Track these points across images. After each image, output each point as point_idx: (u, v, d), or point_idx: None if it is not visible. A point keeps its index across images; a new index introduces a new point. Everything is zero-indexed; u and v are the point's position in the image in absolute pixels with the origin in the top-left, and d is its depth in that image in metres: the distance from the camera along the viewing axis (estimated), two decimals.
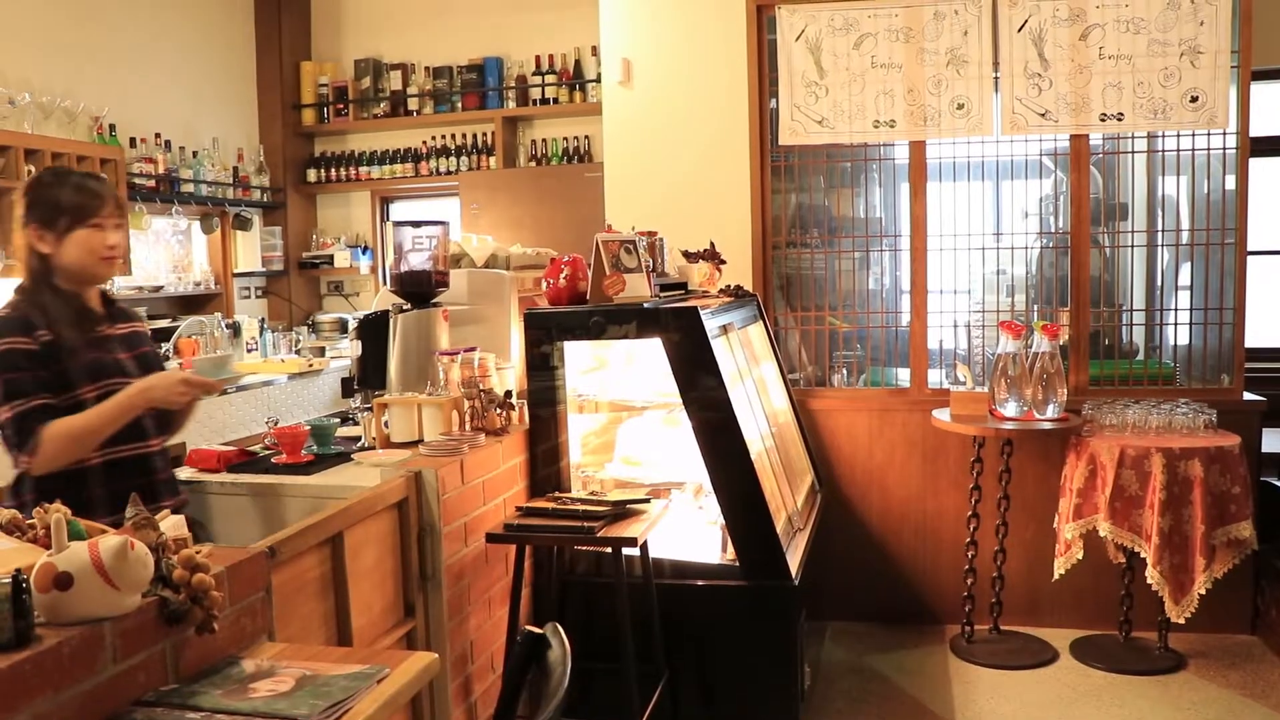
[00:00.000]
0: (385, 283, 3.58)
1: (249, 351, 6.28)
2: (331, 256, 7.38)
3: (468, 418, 3.34)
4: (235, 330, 6.40)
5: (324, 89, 7.38)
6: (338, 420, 3.45)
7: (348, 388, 3.48)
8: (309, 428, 3.28)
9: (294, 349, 6.67)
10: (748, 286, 4.81)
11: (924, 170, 5.00)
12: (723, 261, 4.63)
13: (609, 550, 3.08)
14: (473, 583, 3.07)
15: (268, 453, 3.37)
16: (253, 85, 7.28)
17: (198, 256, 6.82)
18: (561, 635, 1.70)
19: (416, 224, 3.55)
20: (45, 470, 2.44)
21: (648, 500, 3.25)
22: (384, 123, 7.28)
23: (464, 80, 7.13)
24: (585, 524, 2.99)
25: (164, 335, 5.71)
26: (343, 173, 7.41)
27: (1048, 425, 4.41)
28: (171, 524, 1.98)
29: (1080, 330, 4.81)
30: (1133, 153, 4.94)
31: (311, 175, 7.46)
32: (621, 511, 3.13)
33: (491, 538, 3.04)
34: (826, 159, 5.21)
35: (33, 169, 5.04)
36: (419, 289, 3.54)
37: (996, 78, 4.82)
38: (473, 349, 3.46)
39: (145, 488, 2.55)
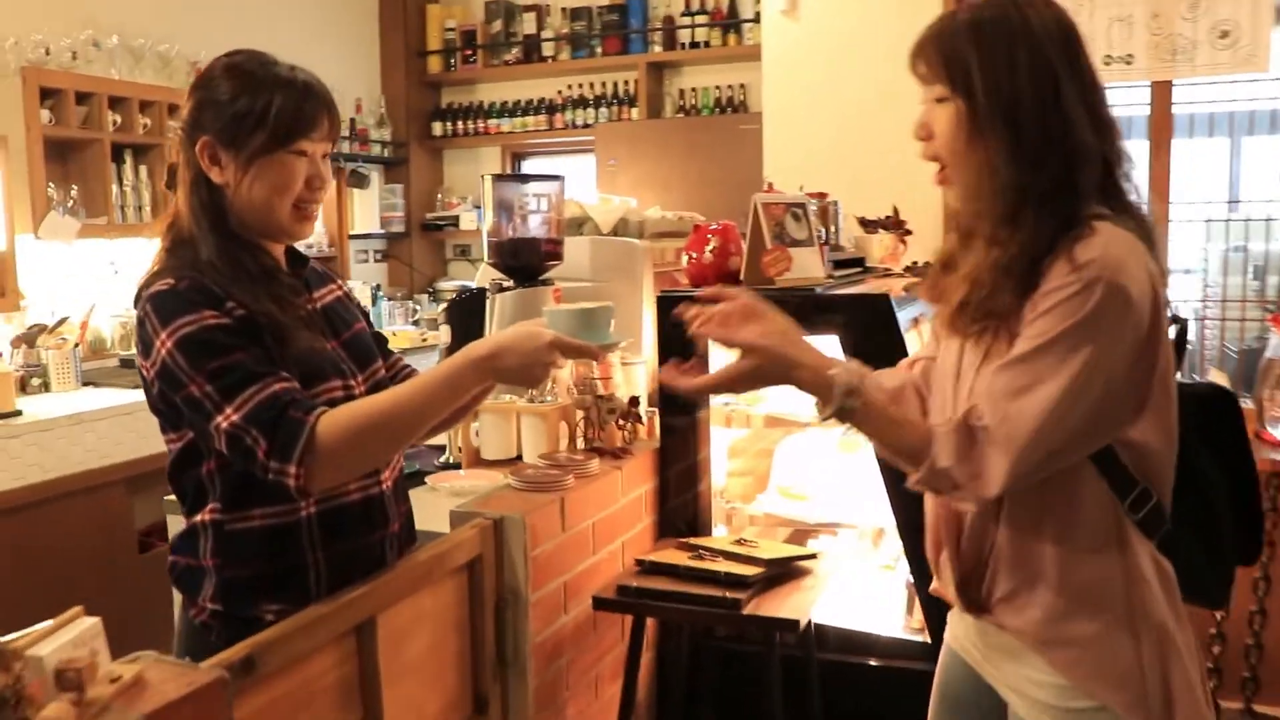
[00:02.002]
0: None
1: None
2: (457, 218, 6.70)
3: (580, 431, 2.56)
4: None
5: (451, 33, 6.67)
6: None
7: None
8: None
9: (410, 319, 6.02)
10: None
11: (1168, 118, 3.98)
12: (908, 232, 3.71)
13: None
14: (574, 659, 2.29)
15: None
16: (374, 29, 6.62)
17: None
18: None
19: (523, 179, 2.77)
20: (330, 483, 1.56)
21: (815, 555, 2.41)
22: (516, 70, 6.53)
23: (604, 22, 6.32)
24: (728, 594, 2.17)
25: None
26: (470, 126, 6.70)
27: None
28: (73, 639, 1.25)
29: None
30: None
31: (437, 128, 6.78)
32: (779, 572, 2.30)
33: (600, 604, 2.25)
34: None
35: (118, 119, 4.45)
36: (524, 261, 2.75)
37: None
38: None
39: (373, 548, 1.73)
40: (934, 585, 1.91)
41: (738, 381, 1.47)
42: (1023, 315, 1.41)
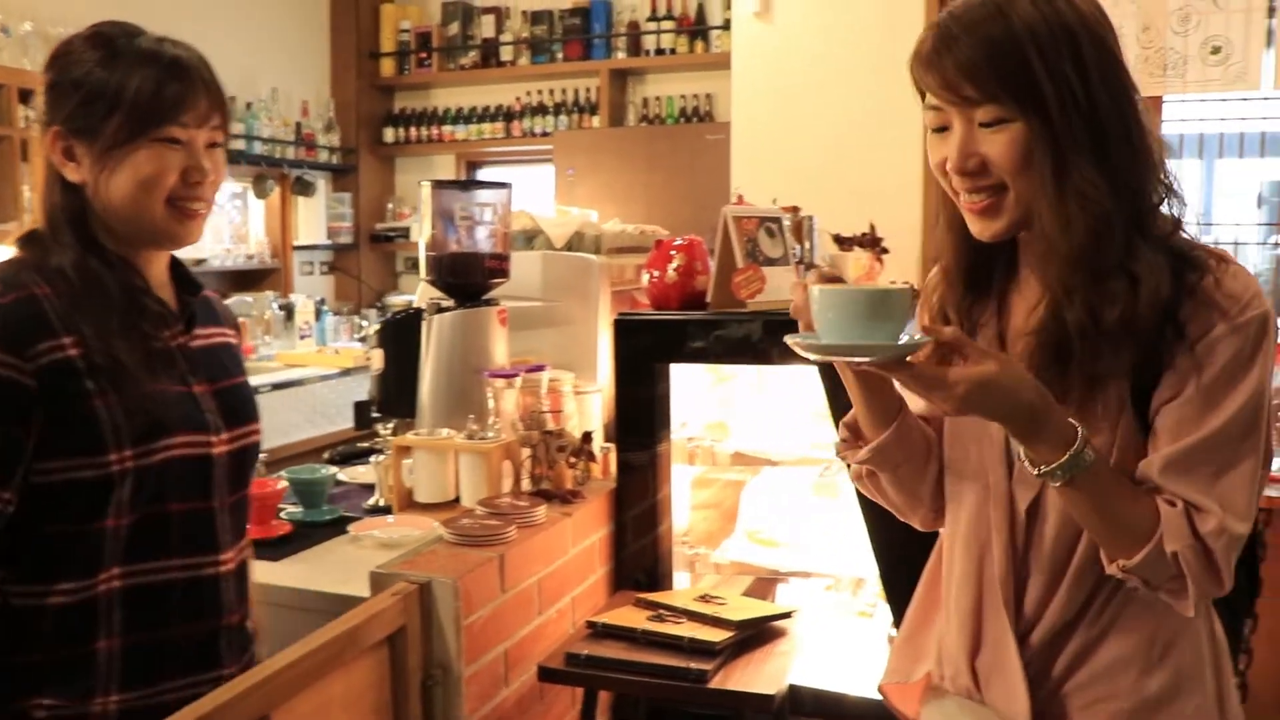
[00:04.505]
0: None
1: (301, 338, 5.35)
2: (408, 229, 6.39)
3: (526, 470, 2.28)
4: (289, 312, 5.47)
5: (405, 35, 6.37)
6: (334, 470, 2.41)
7: (363, 415, 2.44)
8: (287, 481, 2.24)
9: (356, 335, 5.71)
10: (917, 283, 3.64)
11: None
12: (885, 250, 3.46)
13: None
14: None
15: None
16: (324, 28, 6.29)
17: (255, 226, 5.89)
18: None
19: (466, 185, 2.50)
20: None
21: (790, 614, 2.14)
22: (473, 75, 6.23)
23: (566, 26, 6.04)
24: (692, 664, 1.89)
25: None
26: (424, 132, 6.38)
27: None
28: None
29: None
30: None
31: (389, 135, 6.46)
32: (750, 635, 2.03)
33: (547, 675, 1.96)
34: None
35: (29, 115, 4.10)
36: (465, 279, 2.47)
37: (1271, 16, 3.55)
38: (539, 367, 2.39)
39: (195, 643, 1.42)
40: (889, 680, 1.53)
41: (958, 383, 1.09)
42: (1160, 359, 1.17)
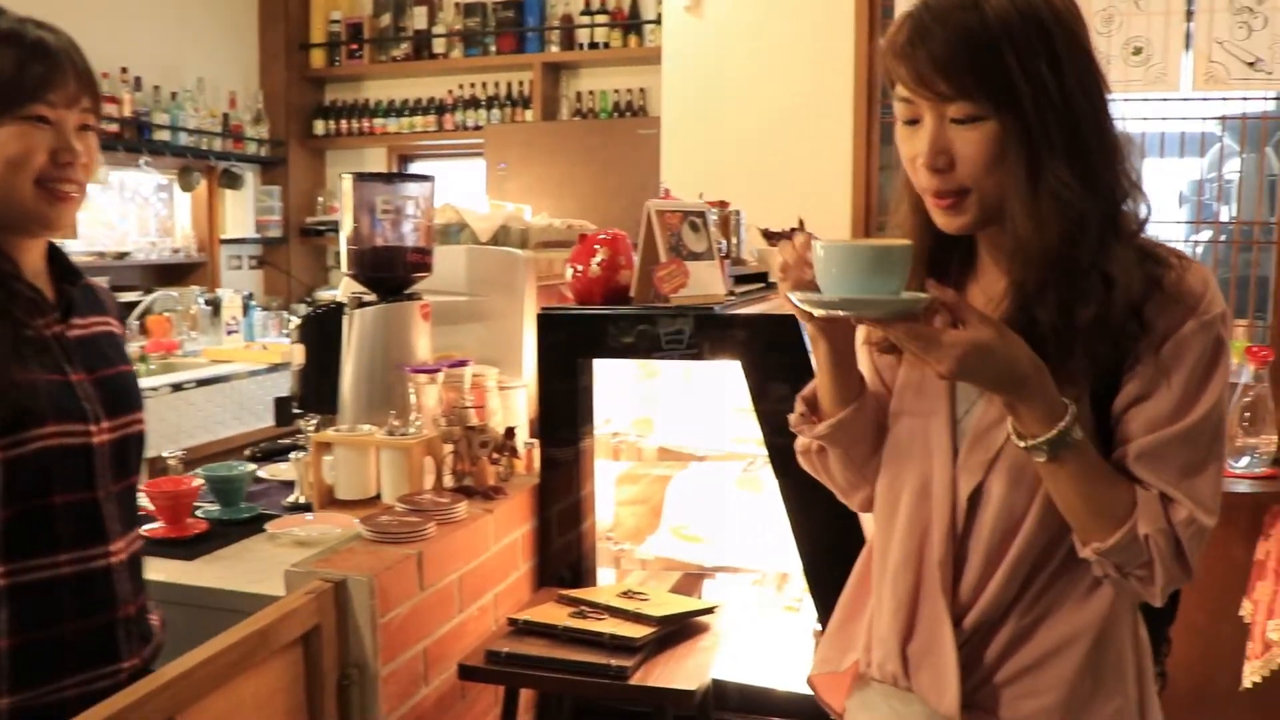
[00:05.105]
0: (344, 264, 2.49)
1: (229, 334, 5.25)
2: (338, 223, 6.30)
3: (449, 466, 2.26)
4: (215, 307, 5.37)
5: (336, 26, 6.28)
6: (252, 468, 2.36)
7: (284, 412, 2.40)
8: (203, 479, 2.20)
9: (284, 331, 5.62)
10: None
11: None
12: None
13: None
14: None
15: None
16: (252, 18, 6.18)
17: (181, 219, 5.78)
18: None
19: (388, 178, 2.47)
20: None
21: (712, 609, 2.14)
22: (404, 67, 6.18)
23: (499, 19, 6.01)
24: (613, 661, 1.89)
25: (127, 311, 4.70)
26: (355, 125, 6.31)
27: (1245, 485, 3.23)
28: None
29: None
30: None
31: (319, 127, 6.37)
32: (672, 631, 2.03)
33: (467, 673, 1.94)
34: None
35: None
36: (387, 273, 2.45)
37: (1190, 19, 3.63)
38: (461, 362, 2.37)
39: (91, 636, 1.40)
40: (818, 670, 1.53)
41: (956, 345, 1.09)
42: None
